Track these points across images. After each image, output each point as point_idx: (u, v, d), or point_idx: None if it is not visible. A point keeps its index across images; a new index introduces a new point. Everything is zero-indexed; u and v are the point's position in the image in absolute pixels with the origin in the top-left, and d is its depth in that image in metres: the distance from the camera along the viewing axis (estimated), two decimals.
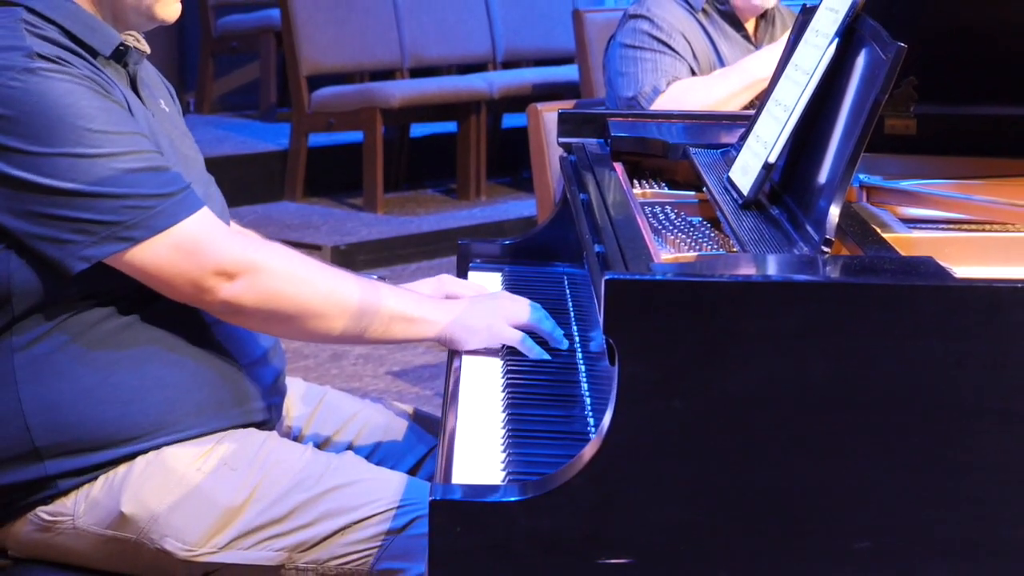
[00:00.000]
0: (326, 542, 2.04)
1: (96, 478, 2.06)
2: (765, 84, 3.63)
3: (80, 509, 2.06)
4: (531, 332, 2.18)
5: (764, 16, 3.99)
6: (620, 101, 3.78)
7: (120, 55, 2.13)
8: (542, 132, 3.79)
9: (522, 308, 2.19)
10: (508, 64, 7.71)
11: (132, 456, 2.06)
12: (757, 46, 3.92)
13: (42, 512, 2.07)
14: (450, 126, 7.27)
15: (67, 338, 2.04)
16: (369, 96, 6.79)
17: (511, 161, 7.43)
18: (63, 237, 1.98)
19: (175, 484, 2.05)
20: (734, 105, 3.66)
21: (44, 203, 1.97)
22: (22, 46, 1.99)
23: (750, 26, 3.96)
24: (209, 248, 2.02)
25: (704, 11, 3.89)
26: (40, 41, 2.02)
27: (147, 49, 2.20)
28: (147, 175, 2.00)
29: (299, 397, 2.40)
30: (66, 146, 1.97)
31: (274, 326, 2.13)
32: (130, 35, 2.16)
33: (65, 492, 2.06)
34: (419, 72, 7.42)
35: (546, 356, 2.14)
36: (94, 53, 2.08)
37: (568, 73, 6.87)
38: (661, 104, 3.67)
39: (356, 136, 6.93)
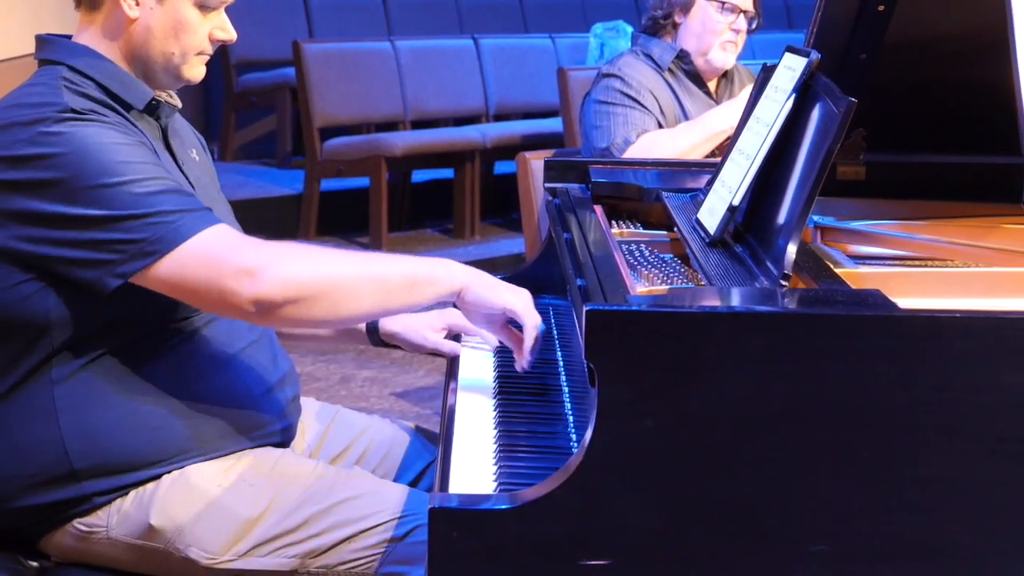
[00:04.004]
0: (335, 549, 2.04)
1: (127, 493, 2.06)
2: (725, 136, 3.68)
3: (113, 521, 2.05)
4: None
5: (725, 75, 4.00)
6: (594, 152, 3.78)
7: (152, 109, 2.12)
8: (530, 178, 3.78)
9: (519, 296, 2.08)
10: (499, 117, 7.71)
11: (160, 475, 2.05)
12: (718, 101, 3.93)
13: (79, 524, 2.06)
14: (447, 172, 7.26)
15: (102, 371, 2.03)
16: (375, 146, 6.78)
17: (502, 204, 7.41)
18: (97, 258, 1.95)
19: (199, 498, 2.04)
20: (696, 155, 3.66)
21: (78, 231, 1.94)
22: (57, 102, 1.98)
23: (712, 84, 3.97)
24: (227, 253, 1.94)
25: (670, 70, 3.89)
26: (77, 97, 2.01)
27: (178, 104, 2.19)
28: (166, 196, 1.96)
29: (313, 416, 2.39)
30: (94, 178, 1.94)
31: (305, 312, 1.95)
32: (162, 92, 2.16)
33: (99, 507, 2.06)
34: (420, 124, 7.42)
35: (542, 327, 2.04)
36: (128, 107, 2.07)
37: (553, 125, 6.87)
38: (631, 154, 3.66)
39: (363, 182, 6.91)
